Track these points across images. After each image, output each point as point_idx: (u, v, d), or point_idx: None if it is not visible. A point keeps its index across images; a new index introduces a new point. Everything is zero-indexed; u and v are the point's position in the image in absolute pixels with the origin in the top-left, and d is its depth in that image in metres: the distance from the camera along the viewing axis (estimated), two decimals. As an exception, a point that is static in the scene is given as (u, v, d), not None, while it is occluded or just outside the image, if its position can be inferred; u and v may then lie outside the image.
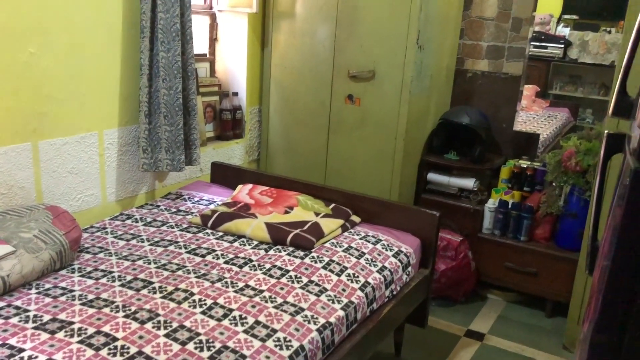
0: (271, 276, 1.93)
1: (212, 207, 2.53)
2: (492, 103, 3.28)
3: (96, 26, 2.30)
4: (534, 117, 3.64)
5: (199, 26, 3.07)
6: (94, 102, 2.36)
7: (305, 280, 1.94)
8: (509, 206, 2.96)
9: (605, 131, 1.65)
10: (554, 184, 2.90)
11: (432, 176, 3.15)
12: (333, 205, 2.51)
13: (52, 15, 2.13)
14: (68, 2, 2.17)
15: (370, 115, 2.99)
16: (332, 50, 3.02)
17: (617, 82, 1.67)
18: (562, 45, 3.51)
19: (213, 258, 2.04)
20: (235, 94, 3.17)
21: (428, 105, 3.10)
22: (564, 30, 3.57)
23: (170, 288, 1.80)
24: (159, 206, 2.53)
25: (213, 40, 3.16)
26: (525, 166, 3.11)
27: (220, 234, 2.26)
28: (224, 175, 2.87)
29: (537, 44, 3.49)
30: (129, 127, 2.53)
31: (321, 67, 3.08)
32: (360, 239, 2.29)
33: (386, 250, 2.24)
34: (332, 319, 1.77)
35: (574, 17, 3.56)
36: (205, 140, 3.02)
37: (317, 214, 2.41)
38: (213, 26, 3.14)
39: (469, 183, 3.08)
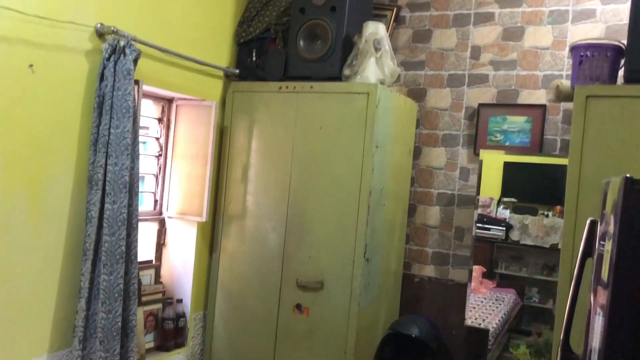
0: None
1: None
2: (441, 309, 3.28)
3: (35, 252, 2.21)
4: (482, 300, 3.62)
5: (147, 232, 3.05)
6: (23, 328, 2.19)
7: None
8: None
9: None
10: (508, 400, 2.82)
11: (383, 390, 3.01)
12: None
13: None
14: (5, 235, 2.10)
15: (319, 327, 2.90)
16: (280, 258, 3.02)
17: (560, 340, 1.69)
18: (504, 228, 3.64)
19: None
20: (180, 300, 3.06)
21: (377, 314, 3.07)
22: (504, 212, 3.72)
23: None
24: None
25: (160, 245, 3.12)
26: (477, 378, 3.04)
27: None
28: (161, 398, 2.65)
29: (481, 225, 3.62)
30: (59, 353, 2.34)
31: (269, 274, 3.04)
32: None
33: None
34: None
35: (513, 199, 3.75)
36: (144, 353, 2.83)
37: None
38: (161, 231, 3.12)
39: (421, 399, 2.95)
